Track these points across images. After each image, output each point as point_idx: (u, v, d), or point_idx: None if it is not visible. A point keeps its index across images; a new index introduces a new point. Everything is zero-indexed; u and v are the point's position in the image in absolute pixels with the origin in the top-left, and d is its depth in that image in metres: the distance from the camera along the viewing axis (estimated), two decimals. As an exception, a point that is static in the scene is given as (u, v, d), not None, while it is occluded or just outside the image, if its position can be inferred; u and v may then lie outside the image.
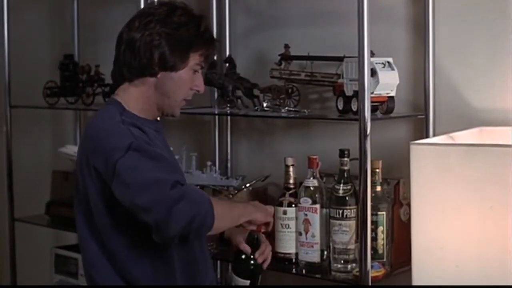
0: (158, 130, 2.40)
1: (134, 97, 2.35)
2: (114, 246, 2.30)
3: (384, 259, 2.56)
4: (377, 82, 2.47)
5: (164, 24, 2.29)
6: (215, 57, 2.99)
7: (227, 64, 3.02)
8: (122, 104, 2.34)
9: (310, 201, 2.63)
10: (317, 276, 2.60)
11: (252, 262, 2.44)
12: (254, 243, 2.45)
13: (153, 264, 2.31)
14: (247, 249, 2.44)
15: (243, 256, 2.45)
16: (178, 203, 2.11)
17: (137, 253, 2.30)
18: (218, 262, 3.15)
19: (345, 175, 2.57)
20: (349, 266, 2.53)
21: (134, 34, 2.30)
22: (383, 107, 2.57)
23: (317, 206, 2.62)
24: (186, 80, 2.34)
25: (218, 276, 3.17)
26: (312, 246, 2.62)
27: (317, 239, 2.63)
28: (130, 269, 2.31)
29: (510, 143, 2.18)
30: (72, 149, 3.47)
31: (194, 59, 2.33)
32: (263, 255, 2.45)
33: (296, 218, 2.68)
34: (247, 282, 2.45)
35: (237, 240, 2.47)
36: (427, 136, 2.63)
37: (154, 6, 2.38)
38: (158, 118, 2.43)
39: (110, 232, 2.30)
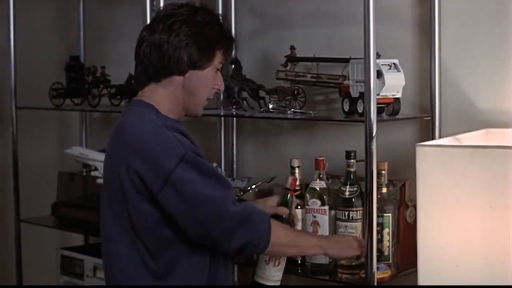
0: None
1: (163, 98, 2.31)
2: (171, 254, 2.26)
3: (390, 261, 2.55)
4: (383, 83, 2.47)
5: (189, 24, 2.28)
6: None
7: (232, 66, 3.02)
8: (155, 106, 2.31)
9: (319, 202, 2.62)
10: (326, 278, 2.59)
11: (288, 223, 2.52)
12: (287, 205, 2.52)
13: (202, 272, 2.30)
14: (285, 211, 2.51)
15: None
16: (240, 226, 2.20)
17: (196, 261, 2.28)
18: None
19: (352, 176, 2.56)
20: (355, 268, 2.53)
21: (159, 36, 2.27)
22: (389, 108, 2.56)
23: (326, 207, 2.62)
24: (210, 79, 2.34)
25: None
26: (322, 247, 2.62)
27: (326, 240, 2.62)
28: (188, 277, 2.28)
29: (516, 145, 2.18)
30: (78, 150, 3.48)
31: (218, 57, 2.34)
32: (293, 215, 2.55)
33: (303, 219, 2.67)
34: None
35: (270, 206, 2.52)
36: (433, 138, 2.63)
37: (173, 7, 2.34)
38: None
39: (167, 241, 2.25)
